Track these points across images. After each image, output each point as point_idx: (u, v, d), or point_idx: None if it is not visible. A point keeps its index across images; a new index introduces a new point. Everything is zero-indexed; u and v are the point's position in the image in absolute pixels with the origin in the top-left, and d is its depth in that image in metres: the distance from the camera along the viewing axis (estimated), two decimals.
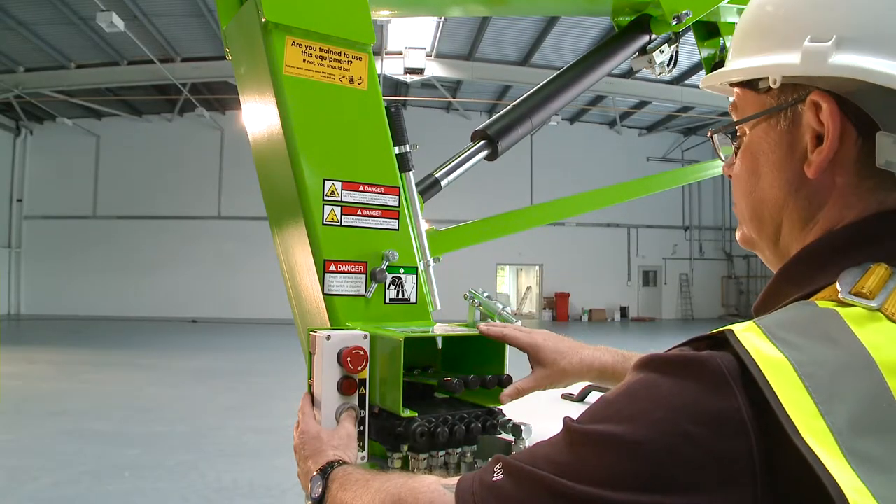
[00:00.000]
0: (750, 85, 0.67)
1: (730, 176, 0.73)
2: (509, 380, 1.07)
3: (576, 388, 1.72)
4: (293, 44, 1.13)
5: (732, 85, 0.71)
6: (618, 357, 1.07)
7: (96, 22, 11.60)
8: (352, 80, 1.19)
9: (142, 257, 19.22)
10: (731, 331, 0.50)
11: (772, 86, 0.63)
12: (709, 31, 1.85)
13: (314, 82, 1.15)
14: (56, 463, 4.77)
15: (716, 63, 1.90)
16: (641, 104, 18.47)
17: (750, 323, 0.52)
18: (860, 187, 0.60)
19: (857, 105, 0.57)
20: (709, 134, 0.78)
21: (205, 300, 18.97)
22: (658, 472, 0.47)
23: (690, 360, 0.50)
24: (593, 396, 1.67)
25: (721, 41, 1.85)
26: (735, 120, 0.70)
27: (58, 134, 19.22)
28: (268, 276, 16.58)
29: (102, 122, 19.53)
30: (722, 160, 0.76)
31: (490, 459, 0.60)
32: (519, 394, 1.06)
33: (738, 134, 0.71)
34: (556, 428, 1.13)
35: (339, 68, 1.18)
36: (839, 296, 0.53)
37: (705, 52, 1.90)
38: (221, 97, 18.05)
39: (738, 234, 0.75)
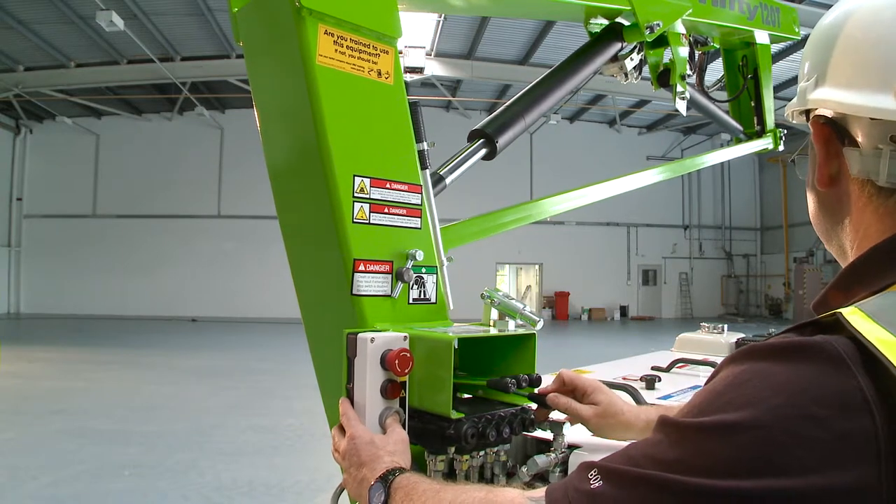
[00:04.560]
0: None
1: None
2: (539, 379, 1.08)
3: None
4: (325, 32, 1.09)
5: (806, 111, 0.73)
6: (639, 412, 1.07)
7: (96, 21, 11.59)
8: (379, 73, 1.17)
9: (141, 256, 19.21)
10: (842, 314, 0.51)
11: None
12: (657, 40, 1.91)
13: (346, 74, 1.12)
14: (56, 461, 4.75)
15: (661, 72, 1.98)
16: (641, 103, 18.46)
17: (853, 308, 0.52)
18: None
19: None
20: None
21: (204, 299, 18.96)
22: (783, 455, 0.46)
23: (804, 344, 0.50)
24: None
25: (664, 50, 1.93)
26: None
27: (57, 133, 19.21)
28: (267, 275, 16.63)
29: (102, 121, 19.53)
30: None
31: (577, 467, 0.59)
32: (567, 410, 1.05)
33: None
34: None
35: (368, 61, 1.15)
36: None
37: (652, 60, 1.98)
38: (221, 96, 18.05)
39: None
